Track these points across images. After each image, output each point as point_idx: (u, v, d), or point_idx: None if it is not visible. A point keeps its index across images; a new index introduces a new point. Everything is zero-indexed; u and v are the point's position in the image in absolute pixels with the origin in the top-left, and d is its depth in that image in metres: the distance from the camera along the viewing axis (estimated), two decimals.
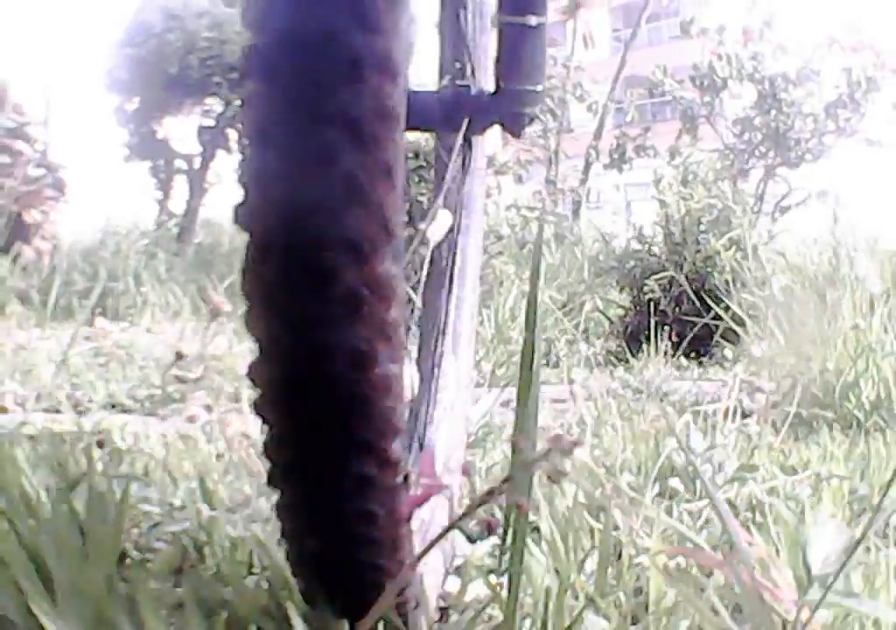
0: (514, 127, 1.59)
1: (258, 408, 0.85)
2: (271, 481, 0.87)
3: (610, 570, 0.90)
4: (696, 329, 4.03)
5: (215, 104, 8.64)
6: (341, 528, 0.86)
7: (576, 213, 9.90)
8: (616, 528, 0.99)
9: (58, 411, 2.75)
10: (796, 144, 9.04)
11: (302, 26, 0.79)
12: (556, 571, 0.88)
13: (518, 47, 1.53)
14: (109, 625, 0.69)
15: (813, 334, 2.47)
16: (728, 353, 3.43)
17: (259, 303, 0.83)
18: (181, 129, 9.03)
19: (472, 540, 1.09)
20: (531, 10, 1.49)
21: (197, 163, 9.03)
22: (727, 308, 3.51)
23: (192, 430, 1.94)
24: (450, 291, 1.49)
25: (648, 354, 4.03)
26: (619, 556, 0.98)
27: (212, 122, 8.75)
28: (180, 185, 9.24)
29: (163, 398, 3.04)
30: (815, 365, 2.35)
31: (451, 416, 1.33)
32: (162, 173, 9.14)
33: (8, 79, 8.00)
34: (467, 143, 1.54)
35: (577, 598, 0.83)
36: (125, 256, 7.53)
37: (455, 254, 1.52)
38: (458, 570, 0.98)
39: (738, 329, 3.32)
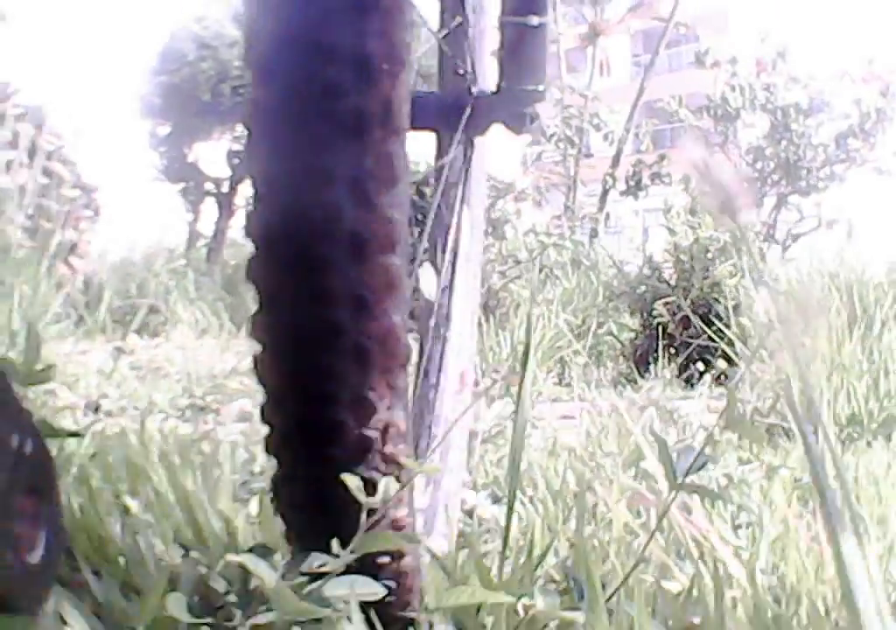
0: (515, 126, 1.59)
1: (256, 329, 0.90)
2: (263, 416, 0.93)
3: (589, 526, 1.15)
4: (689, 351, 4.26)
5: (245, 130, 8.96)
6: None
7: (593, 238, 10.10)
8: (594, 492, 1.24)
9: (109, 415, 3.01)
10: (808, 173, 9.22)
11: (305, 38, 0.83)
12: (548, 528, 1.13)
13: (519, 47, 1.53)
14: (234, 543, 0.95)
15: (795, 355, 2.70)
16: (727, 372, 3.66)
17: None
18: (211, 154, 9.33)
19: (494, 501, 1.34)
20: (532, 10, 1.49)
21: (225, 186, 9.32)
22: (719, 331, 3.76)
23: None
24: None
25: (655, 375, 4.27)
26: (595, 514, 1.23)
27: (241, 147, 9.05)
28: (209, 207, 9.53)
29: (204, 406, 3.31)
30: (796, 382, 2.58)
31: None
32: (192, 196, 9.43)
33: (44, 103, 8.32)
34: (469, 142, 1.54)
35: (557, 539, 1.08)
36: (156, 275, 7.80)
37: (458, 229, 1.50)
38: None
39: (729, 350, 3.56)
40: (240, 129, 9.02)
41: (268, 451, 0.94)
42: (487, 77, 1.57)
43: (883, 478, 1.58)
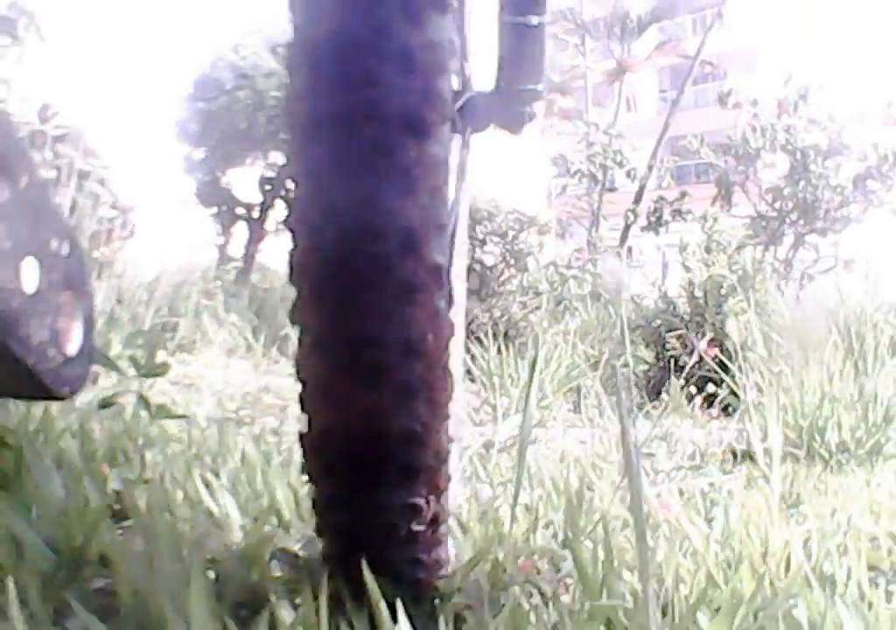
0: (513, 125, 1.58)
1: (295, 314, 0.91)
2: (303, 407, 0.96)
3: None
4: (691, 381, 4.46)
5: (278, 158, 9.22)
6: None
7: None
8: (592, 489, 1.46)
9: None
10: (826, 214, 9.39)
11: (351, 20, 0.84)
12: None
13: (518, 47, 1.51)
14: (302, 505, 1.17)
15: (790, 386, 2.93)
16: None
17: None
18: (244, 179, 9.58)
19: None
20: (532, 10, 1.47)
21: (256, 211, 9.56)
22: (722, 363, 3.96)
23: None
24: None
25: (666, 405, 4.46)
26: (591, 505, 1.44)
27: (273, 174, 9.31)
28: (240, 231, 9.76)
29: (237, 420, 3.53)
30: (790, 412, 2.81)
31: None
32: (224, 219, 9.67)
33: (84, 124, 8.59)
34: (466, 142, 1.50)
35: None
36: (187, 296, 8.02)
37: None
38: None
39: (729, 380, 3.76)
40: (272, 157, 9.28)
41: (310, 476, 0.97)
42: (476, 75, 1.53)
43: (857, 493, 1.79)
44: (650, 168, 11.26)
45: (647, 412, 4.23)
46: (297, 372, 0.96)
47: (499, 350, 5.13)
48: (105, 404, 1.67)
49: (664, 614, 0.96)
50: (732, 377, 2.93)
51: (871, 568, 1.21)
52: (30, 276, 0.58)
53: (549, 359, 5.20)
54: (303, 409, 0.96)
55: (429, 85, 0.86)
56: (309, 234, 0.88)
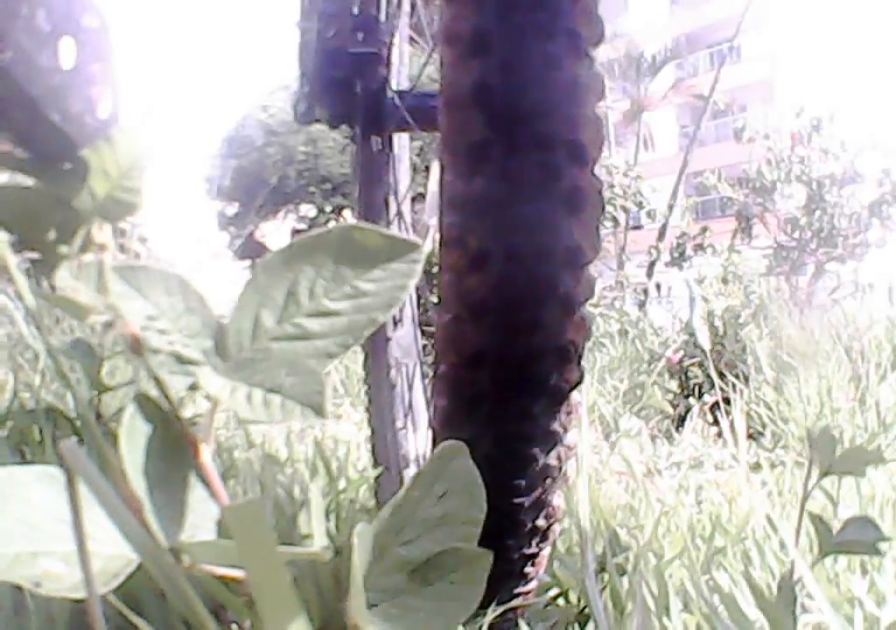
0: None
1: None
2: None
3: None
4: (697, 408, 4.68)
5: (309, 210, 9.57)
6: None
7: (641, 307, 10.46)
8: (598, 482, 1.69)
9: None
10: (844, 241, 9.57)
11: (524, 53, 0.87)
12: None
13: None
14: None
15: (795, 401, 3.16)
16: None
17: None
18: (276, 232, 9.92)
19: None
20: None
21: None
22: (734, 387, 4.17)
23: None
24: None
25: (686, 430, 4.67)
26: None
27: (305, 226, 9.65)
28: None
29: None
30: (793, 423, 3.04)
31: None
32: None
33: None
34: None
35: None
36: None
37: None
38: None
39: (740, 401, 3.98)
40: (303, 209, 9.62)
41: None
42: None
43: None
44: (670, 207, 11.48)
45: (671, 436, 4.44)
46: (433, 389, 1.00)
47: None
48: None
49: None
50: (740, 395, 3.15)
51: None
52: (67, 54, 0.61)
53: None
54: (437, 426, 1.00)
55: (590, 114, 0.90)
56: (470, 256, 0.90)
